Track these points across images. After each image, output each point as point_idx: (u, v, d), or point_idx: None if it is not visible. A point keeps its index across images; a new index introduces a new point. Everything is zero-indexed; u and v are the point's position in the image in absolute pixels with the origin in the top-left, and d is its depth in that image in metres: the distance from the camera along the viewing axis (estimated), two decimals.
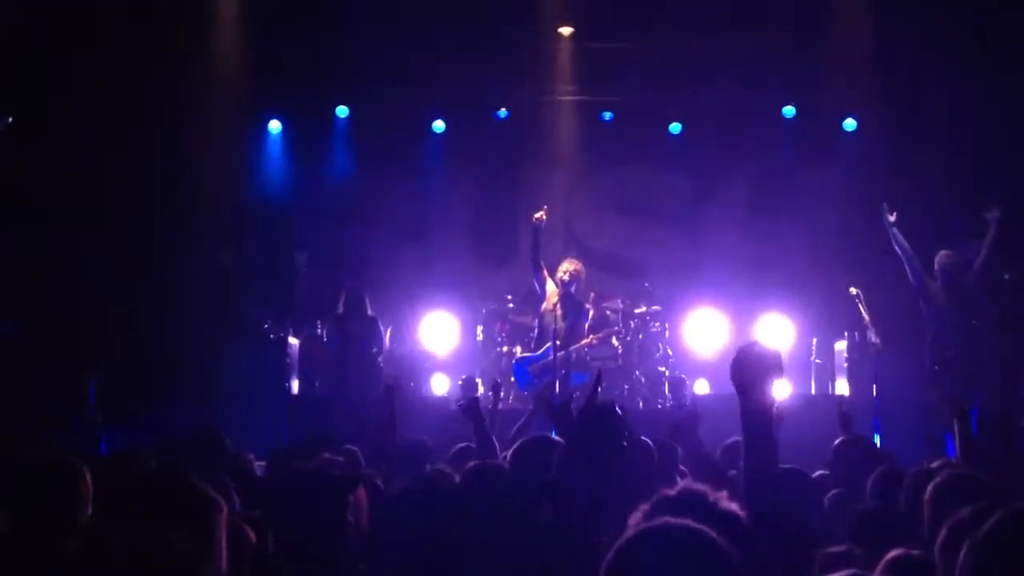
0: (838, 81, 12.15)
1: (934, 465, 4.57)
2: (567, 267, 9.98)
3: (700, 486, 2.49)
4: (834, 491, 4.72)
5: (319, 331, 11.14)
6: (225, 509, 2.58)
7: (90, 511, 2.91)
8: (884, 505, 4.09)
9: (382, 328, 10.46)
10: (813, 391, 11.05)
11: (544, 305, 10.06)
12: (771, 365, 2.73)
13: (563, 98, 12.86)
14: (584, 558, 3.16)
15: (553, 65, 12.64)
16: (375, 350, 10.23)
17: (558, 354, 9.48)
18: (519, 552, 3.35)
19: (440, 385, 11.17)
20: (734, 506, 2.41)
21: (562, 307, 9.67)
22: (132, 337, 10.84)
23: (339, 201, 12.87)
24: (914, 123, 11.76)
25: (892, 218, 9.50)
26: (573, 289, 9.96)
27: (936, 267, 9.45)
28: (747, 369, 2.73)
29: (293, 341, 10.56)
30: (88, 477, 2.95)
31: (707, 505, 2.38)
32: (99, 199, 11.31)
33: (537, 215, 9.99)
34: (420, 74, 12.21)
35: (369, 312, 10.28)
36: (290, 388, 10.29)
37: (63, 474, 2.93)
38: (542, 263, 10.09)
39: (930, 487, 3.51)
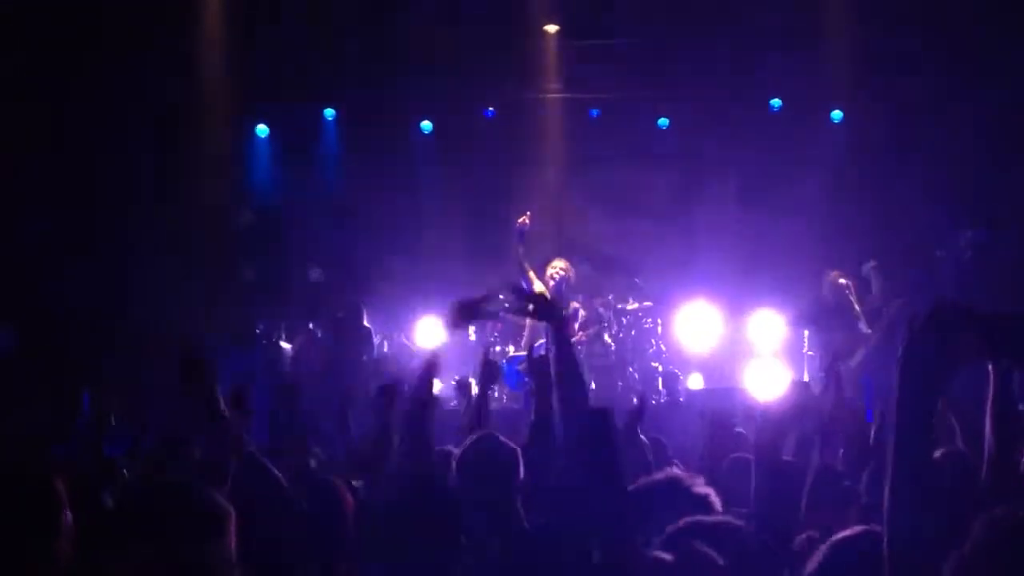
0: (825, 73, 12.19)
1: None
2: (556, 266, 9.96)
3: (678, 472, 2.61)
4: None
5: (312, 332, 11.14)
6: (234, 516, 2.57)
7: (68, 520, 2.88)
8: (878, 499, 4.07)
9: (372, 333, 10.61)
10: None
11: None
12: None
13: (550, 96, 12.86)
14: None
15: (540, 63, 12.64)
16: (365, 358, 10.34)
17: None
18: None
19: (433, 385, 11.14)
20: (709, 490, 2.50)
21: None
22: (126, 344, 10.80)
23: (328, 202, 12.88)
24: (901, 114, 11.79)
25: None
26: (562, 288, 9.95)
27: (826, 288, 9.80)
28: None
29: (285, 346, 10.56)
30: (60, 486, 2.94)
31: (682, 489, 2.48)
32: (89, 205, 11.26)
33: (521, 219, 10.00)
34: (407, 74, 12.19)
35: (365, 323, 10.47)
36: None
37: (31, 486, 2.91)
38: (527, 265, 10.09)
39: None
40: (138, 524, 2.47)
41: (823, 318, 9.95)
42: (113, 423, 6.34)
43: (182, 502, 2.55)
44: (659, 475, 2.54)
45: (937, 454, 4.51)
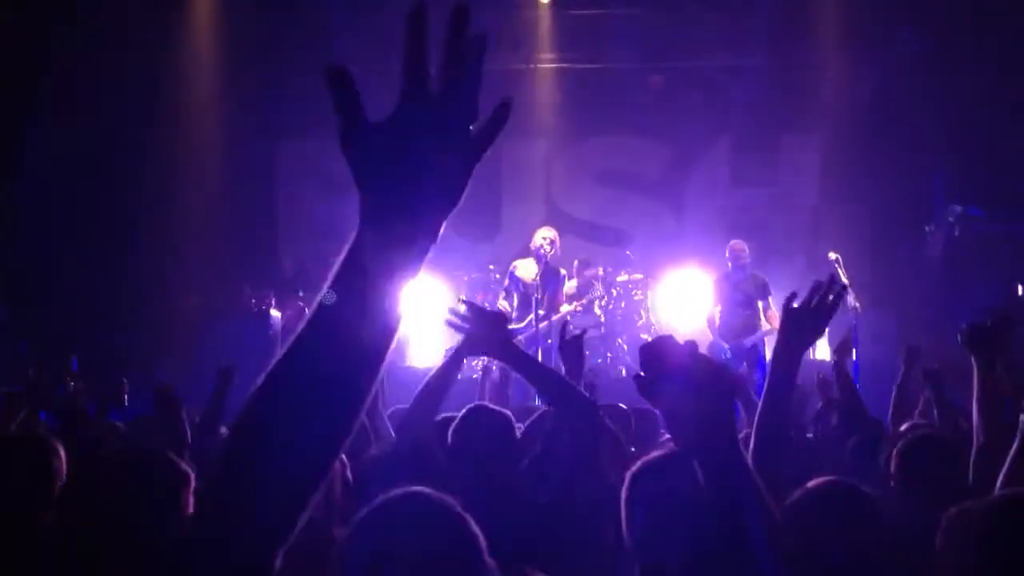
0: (819, 45, 12.17)
1: (903, 428, 4.62)
2: (544, 234, 9.75)
3: None
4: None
5: (301, 303, 11.11)
6: (192, 481, 2.58)
7: (60, 485, 2.92)
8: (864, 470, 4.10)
9: None
10: None
11: (526, 281, 9.83)
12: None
13: (544, 66, 12.81)
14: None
15: (533, 32, 12.57)
16: None
17: (540, 325, 9.42)
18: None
19: (423, 356, 11.11)
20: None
21: (541, 279, 9.55)
22: (116, 313, 10.79)
23: (318, 169, 12.82)
24: (894, 86, 11.78)
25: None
26: (550, 257, 9.69)
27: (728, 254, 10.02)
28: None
29: (275, 314, 10.54)
30: (61, 452, 2.97)
31: None
32: (82, 174, 11.17)
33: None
34: (396, 40, 12.08)
35: None
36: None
37: (36, 450, 2.94)
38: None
39: (895, 452, 3.55)
40: (96, 489, 2.48)
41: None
42: (126, 403, 6.32)
43: (139, 466, 2.57)
44: None
45: (905, 426, 4.55)
